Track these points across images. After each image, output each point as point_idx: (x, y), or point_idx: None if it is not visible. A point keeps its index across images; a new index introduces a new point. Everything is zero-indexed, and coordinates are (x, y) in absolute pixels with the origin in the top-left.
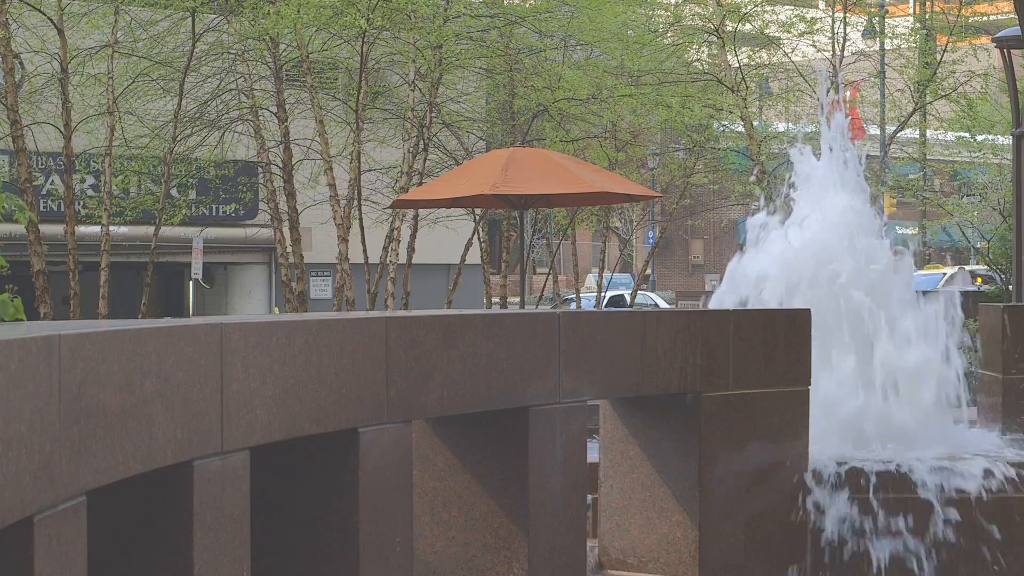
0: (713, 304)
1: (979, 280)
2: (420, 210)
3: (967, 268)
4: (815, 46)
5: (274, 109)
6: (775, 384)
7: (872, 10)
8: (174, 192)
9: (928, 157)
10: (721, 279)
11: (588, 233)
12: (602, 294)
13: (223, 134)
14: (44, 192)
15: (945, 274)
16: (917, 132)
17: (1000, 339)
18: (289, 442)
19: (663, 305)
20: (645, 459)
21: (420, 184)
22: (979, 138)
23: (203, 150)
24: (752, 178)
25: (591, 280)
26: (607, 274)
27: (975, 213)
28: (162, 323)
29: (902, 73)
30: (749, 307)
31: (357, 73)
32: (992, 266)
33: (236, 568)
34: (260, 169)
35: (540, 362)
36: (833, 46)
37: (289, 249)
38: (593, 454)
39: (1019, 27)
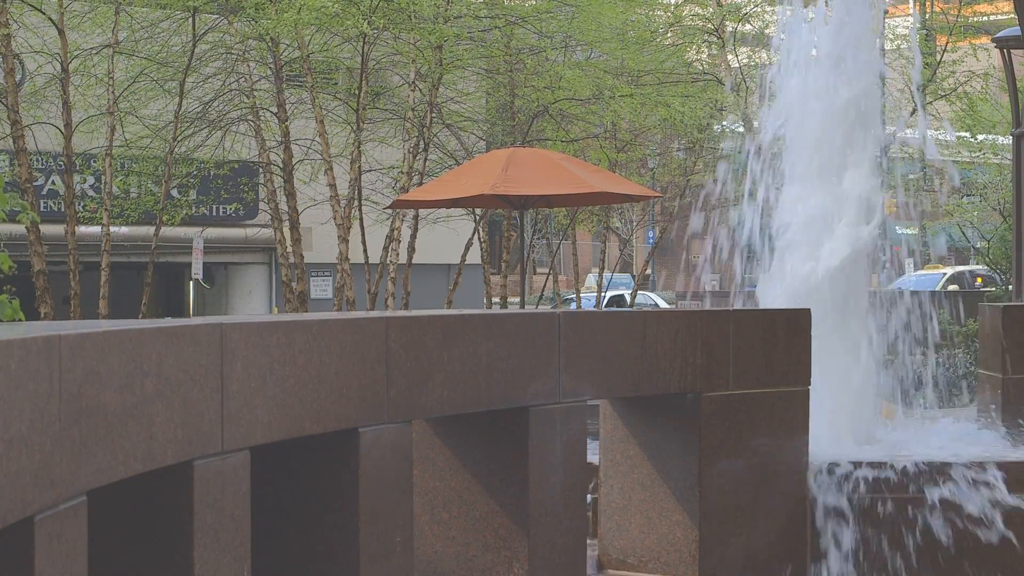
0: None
1: (979, 280)
2: (420, 210)
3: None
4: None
5: (274, 109)
6: (775, 384)
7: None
8: (175, 192)
9: (928, 157)
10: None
11: (588, 233)
12: (602, 294)
13: (224, 134)
14: (44, 192)
15: (945, 274)
16: (917, 132)
17: (1000, 339)
18: (289, 442)
19: (663, 305)
20: (645, 459)
21: (420, 184)
22: (979, 138)
23: (204, 150)
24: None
25: (591, 280)
26: (607, 274)
27: (975, 213)
28: (162, 323)
29: (902, 73)
30: None
31: (358, 73)
32: (992, 266)
33: (236, 568)
34: (260, 169)
35: (540, 362)
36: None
37: (289, 249)
38: (593, 454)
39: (1019, 27)
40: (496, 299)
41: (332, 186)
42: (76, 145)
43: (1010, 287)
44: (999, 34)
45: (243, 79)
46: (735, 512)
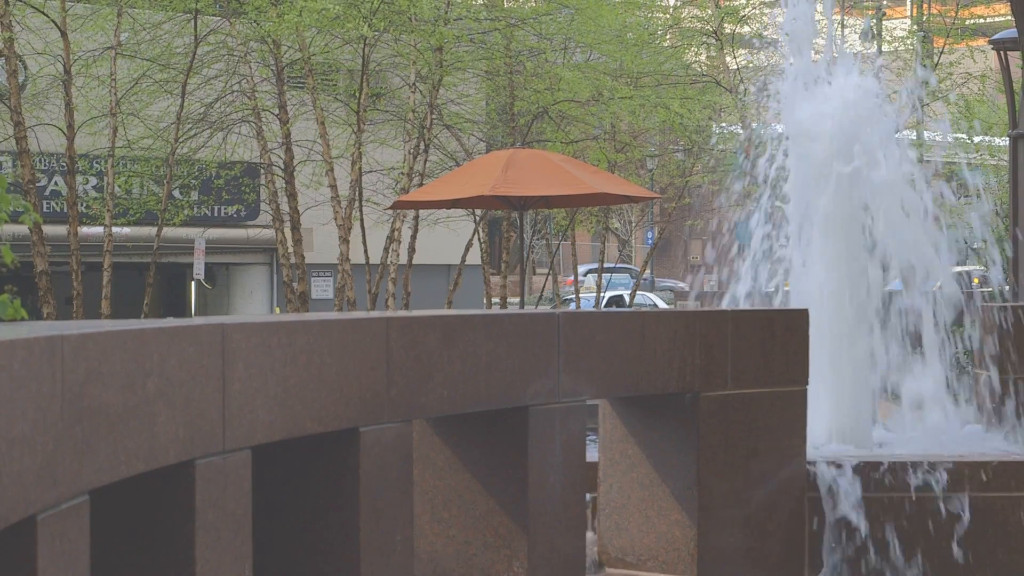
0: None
1: (976, 281)
2: (420, 211)
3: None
4: (813, 48)
5: (276, 111)
6: (773, 384)
7: (869, 12)
8: (176, 193)
9: (925, 158)
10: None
11: (587, 234)
12: (601, 294)
13: (225, 136)
14: (47, 193)
15: None
16: (914, 133)
17: (996, 339)
18: (290, 441)
19: (662, 305)
20: (644, 458)
21: (421, 185)
22: (976, 140)
23: (205, 151)
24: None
25: (590, 280)
26: (606, 274)
27: (972, 214)
28: (164, 323)
29: (899, 75)
30: None
31: (358, 75)
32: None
33: (238, 567)
34: (262, 170)
35: (540, 362)
36: (831, 49)
37: (291, 250)
38: (592, 453)
39: (1016, 29)
40: (496, 299)
41: (333, 187)
42: (79, 146)
43: (1007, 288)
44: (996, 36)
45: (244, 81)
46: (733, 511)
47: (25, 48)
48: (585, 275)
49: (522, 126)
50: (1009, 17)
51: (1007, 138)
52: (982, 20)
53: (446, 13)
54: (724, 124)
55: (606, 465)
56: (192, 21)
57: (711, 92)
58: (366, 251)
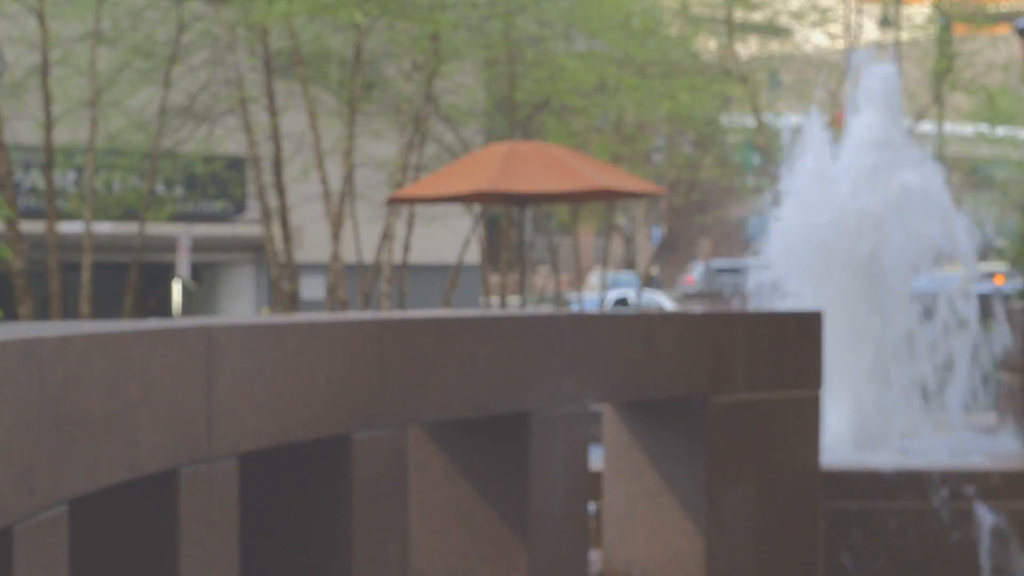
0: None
1: (1001, 278)
2: (416, 208)
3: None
4: (829, 36)
5: (264, 101)
6: (786, 388)
7: None
8: (160, 188)
9: (946, 151)
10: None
11: (591, 230)
12: (604, 292)
13: (211, 128)
14: (28, 188)
15: None
16: (934, 125)
17: (1020, 339)
18: (279, 448)
19: (668, 306)
20: (650, 466)
21: (416, 180)
22: (999, 131)
23: (190, 144)
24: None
25: (594, 279)
26: (610, 273)
27: (994, 210)
28: (147, 325)
29: (919, 64)
30: None
31: (351, 64)
32: (1013, 264)
33: None
34: (249, 164)
35: (541, 365)
36: (847, 36)
37: (279, 248)
38: (596, 461)
39: None
40: (495, 298)
41: (324, 181)
42: (58, 139)
43: None
44: (1020, 22)
45: (231, 69)
46: (744, 521)
47: (1, 35)
48: (703, 273)
49: (522, 118)
50: None
51: None
52: (1005, 7)
53: None
54: (734, 115)
55: (611, 473)
56: (176, 7)
57: (721, 82)
58: (359, 249)
